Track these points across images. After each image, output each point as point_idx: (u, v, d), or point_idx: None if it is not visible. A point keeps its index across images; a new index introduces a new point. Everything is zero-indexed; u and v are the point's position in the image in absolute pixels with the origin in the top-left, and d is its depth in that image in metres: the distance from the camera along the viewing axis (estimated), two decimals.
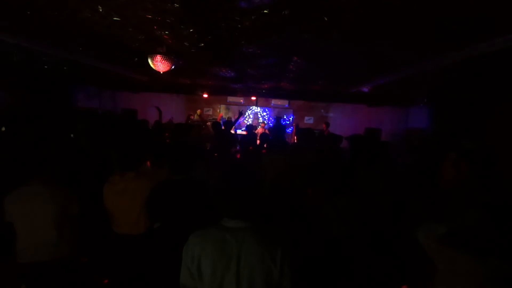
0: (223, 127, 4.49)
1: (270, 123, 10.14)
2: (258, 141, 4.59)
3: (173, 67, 3.24)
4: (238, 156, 4.14)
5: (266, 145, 4.04)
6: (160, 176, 2.29)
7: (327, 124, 7.67)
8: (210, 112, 10.33)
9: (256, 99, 9.07)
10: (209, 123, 7.70)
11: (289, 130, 9.52)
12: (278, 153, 3.28)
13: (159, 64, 3.11)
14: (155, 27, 2.47)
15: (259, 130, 7.93)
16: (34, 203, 1.79)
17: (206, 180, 1.84)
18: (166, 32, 2.62)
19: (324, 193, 2.22)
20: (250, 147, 4.08)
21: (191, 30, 2.54)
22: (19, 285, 1.88)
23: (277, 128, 4.81)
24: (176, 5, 1.97)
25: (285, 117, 10.36)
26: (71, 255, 1.93)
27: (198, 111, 8.45)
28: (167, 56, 3.07)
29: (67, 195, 1.89)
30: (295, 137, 6.43)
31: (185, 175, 1.87)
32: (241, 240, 1.05)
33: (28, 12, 2.23)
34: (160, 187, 1.85)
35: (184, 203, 1.75)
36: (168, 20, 2.29)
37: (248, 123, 9.30)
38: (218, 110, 10.29)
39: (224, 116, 9.34)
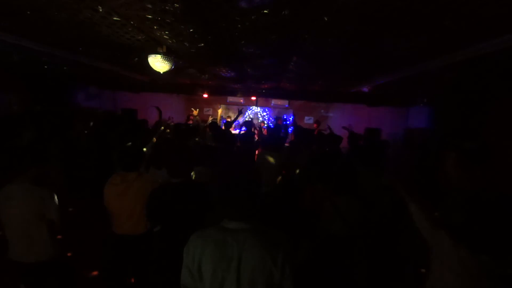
0: (222, 127, 4.49)
1: (270, 123, 10.14)
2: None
3: (173, 67, 3.24)
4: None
5: (261, 144, 4.05)
6: (159, 177, 2.29)
7: (318, 123, 7.65)
8: (210, 112, 10.32)
9: (256, 99, 9.06)
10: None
11: (289, 129, 9.52)
12: (273, 151, 3.29)
13: (159, 64, 3.11)
14: (155, 27, 2.47)
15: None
16: (12, 202, 1.76)
17: (209, 182, 1.84)
18: (166, 32, 2.62)
19: (323, 192, 2.22)
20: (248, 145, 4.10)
21: (191, 30, 2.54)
22: (18, 284, 1.89)
23: (275, 127, 4.82)
24: (176, 5, 1.97)
25: (284, 117, 10.36)
26: (52, 259, 1.86)
27: (195, 111, 7.31)
28: (167, 56, 3.07)
29: (44, 197, 1.80)
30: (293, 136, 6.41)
31: (183, 178, 1.87)
32: (242, 241, 1.05)
33: (28, 12, 2.23)
34: (158, 191, 1.84)
35: (182, 206, 1.75)
36: (168, 20, 2.29)
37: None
38: (217, 111, 10.27)
39: (223, 116, 9.28)
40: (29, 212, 1.76)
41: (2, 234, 1.83)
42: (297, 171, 2.92)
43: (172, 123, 5.84)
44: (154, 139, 2.86)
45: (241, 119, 9.57)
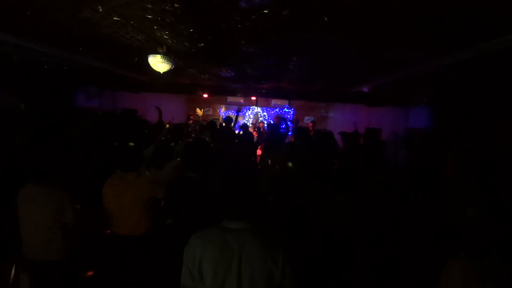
0: (223, 124, 4.48)
1: (270, 122, 10.14)
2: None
3: (173, 67, 3.24)
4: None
5: (264, 145, 4.04)
6: (159, 177, 2.29)
7: (314, 123, 7.69)
8: (210, 112, 10.32)
9: (256, 99, 9.07)
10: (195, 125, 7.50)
11: (290, 124, 9.49)
12: (275, 151, 3.29)
13: (159, 64, 3.11)
14: (155, 27, 2.47)
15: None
16: (31, 202, 1.80)
17: (209, 181, 1.84)
18: (166, 32, 2.62)
19: (322, 191, 2.22)
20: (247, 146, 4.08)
21: (191, 30, 2.54)
22: (18, 282, 1.89)
23: (275, 127, 4.82)
24: (176, 5, 1.97)
25: (285, 115, 10.35)
26: (62, 259, 1.87)
27: (200, 112, 7.51)
28: (167, 56, 3.07)
29: (62, 201, 1.83)
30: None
31: (201, 172, 1.88)
32: (243, 241, 1.04)
33: (28, 12, 2.23)
34: (177, 183, 1.85)
35: (199, 200, 1.75)
36: (168, 20, 2.29)
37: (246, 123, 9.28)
38: (217, 110, 10.26)
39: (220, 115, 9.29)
40: (47, 214, 1.79)
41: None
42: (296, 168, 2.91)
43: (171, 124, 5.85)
44: (156, 140, 2.87)
45: (240, 120, 9.56)
